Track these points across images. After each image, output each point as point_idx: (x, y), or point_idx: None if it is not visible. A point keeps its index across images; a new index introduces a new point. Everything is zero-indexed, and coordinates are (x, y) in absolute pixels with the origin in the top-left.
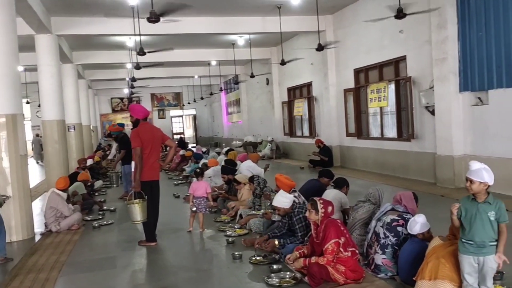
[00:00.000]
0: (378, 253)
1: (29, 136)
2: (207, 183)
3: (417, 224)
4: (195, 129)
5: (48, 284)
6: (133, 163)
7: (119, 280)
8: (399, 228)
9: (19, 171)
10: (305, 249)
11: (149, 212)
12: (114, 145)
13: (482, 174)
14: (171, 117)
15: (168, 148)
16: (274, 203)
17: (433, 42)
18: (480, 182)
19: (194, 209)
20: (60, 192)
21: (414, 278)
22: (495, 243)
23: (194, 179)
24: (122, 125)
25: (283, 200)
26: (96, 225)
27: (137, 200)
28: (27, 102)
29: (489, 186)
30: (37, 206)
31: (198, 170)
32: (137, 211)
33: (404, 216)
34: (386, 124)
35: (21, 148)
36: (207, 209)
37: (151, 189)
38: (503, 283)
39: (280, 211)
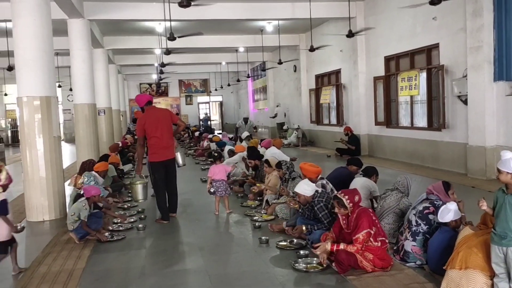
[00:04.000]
0: (408, 239)
1: (61, 119)
2: (226, 165)
3: (450, 211)
4: (221, 115)
5: (80, 262)
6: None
7: (148, 260)
8: (430, 216)
9: (53, 153)
10: (332, 238)
11: (161, 190)
12: None
13: (510, 164)
14: (198, 103)
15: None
16: (296, 189)
17: (468, 30)
18: (508, 173)
19: (213, 190)
20: (98, 176)
21: (444, 267)
22: None
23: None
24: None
25: (305, 187)
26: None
27: (138, 181)
28: (59, 86)
29: None
30: (69, 186)
31: (216, 154)
32: (139, 191)
33: (435, 203)
34: (416, 113)
35: (54, 130)
36: (228, 191)
37: (166, 168)
38: None
39: (301, 199)
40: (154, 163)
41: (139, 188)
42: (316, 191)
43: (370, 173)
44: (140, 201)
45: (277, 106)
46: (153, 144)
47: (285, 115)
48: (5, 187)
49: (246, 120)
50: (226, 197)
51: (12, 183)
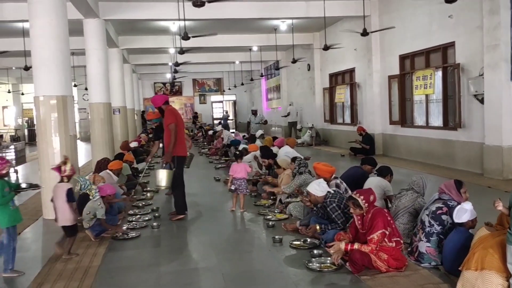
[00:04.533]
0: (422, 240)
1: (76, 118)
2: (246, 165)
3: (467, 211)
4: (235, 114)
5: (96, 259)
6: None
7: (162, 258)
8: (443, 217)
9: (69, 151)
10: (347, 238)
11: (180, 185)
12: None
13: None
14: (212, 102)
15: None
16: (308, 188)
17: (485, 28)
18: None
19: (233, 187)
20: (112, 174)
21: (459, 268)
22: None
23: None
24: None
25: (316, 187)
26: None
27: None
28: (75, 85)
29: None
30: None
31: (237, 152)
32: (164, 176)
33: (448, 203)
34: (431, 112)
35: (70, 128)
36: (247, 190)
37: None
38: None
39: (311, 198)
40: (182, 158)
41: (166, 173)
42: (328, 191)
43: (385, 173)
44: (163, 188)
45: (290, 105)
46: (183, 139)
47: (297, 114)
48: (69, 177)
49: (254, 112)
50: (243, 196)
51: (75, 174)
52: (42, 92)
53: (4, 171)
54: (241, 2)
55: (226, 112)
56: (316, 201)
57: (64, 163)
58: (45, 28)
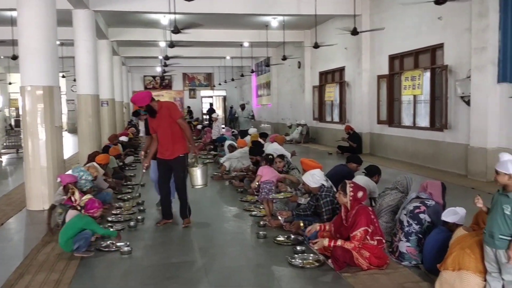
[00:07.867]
0: (402, 240)
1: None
2: (274, 170)
3: (457, 215)
4: (225, 110)
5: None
6: None
7: (145, 252)
8: (421, 216)
9: (54, 142)
10: (328, 225)
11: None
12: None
13: (507, 166)
14: (202, 97)
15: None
16: (303, 177)
17: (473, 31)
18: (505, 174)
19: (263, 194)
20: (98, 167)
21: (438, 266)
22: (508, 238)
23: (221, 159)
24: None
25: (310, 178)
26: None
27: (199, 165)
28: (63, 76)
29: None
30: None
31: (270, 156)
32: (200, 174)
33: (426, 202)
34: (419, 112)
35: (56, 119)
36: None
37: None
38: None
39: (305, 187)
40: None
41: (201, 171)
42: (323, 184)
43: (373, 172)
44: (200, 186)
45: (246, 103)
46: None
47: (252, 113)
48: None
49: (243, 106)
50: (271, 202)
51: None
52: (29, 82)
53: (96, 214)
54: None
55: (232, 108)
56: (309, 191)
57: (72, 193)
58: (32, 18)
